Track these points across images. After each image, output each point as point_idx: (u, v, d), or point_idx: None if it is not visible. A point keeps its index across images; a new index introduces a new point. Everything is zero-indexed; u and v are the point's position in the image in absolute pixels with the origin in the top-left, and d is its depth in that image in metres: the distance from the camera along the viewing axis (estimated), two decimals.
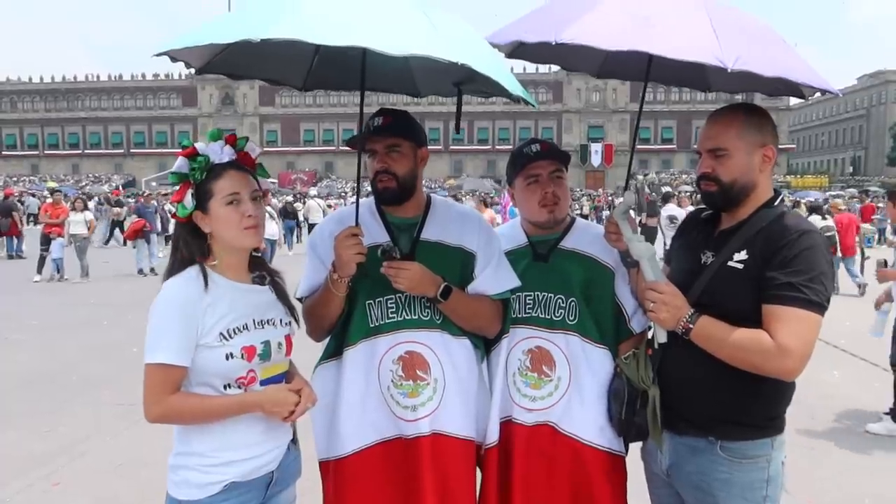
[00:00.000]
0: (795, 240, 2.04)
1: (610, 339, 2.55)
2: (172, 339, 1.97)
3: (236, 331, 2.05)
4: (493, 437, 2.49)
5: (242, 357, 2.06)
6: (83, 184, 71.94)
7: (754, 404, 2.14)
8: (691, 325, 2.09)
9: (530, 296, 2.56)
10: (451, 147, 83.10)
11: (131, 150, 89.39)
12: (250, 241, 2.14)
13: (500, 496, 2.49)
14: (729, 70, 1.83)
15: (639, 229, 2.42)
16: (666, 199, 17.97)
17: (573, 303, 2.53)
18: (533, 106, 2.28)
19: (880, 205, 27.54)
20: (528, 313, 2.56)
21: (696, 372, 2.17)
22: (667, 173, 73.48)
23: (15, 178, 75.55)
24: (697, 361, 2.13)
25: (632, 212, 2.43)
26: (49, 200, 17.41)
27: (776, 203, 2.20)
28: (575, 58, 2.78)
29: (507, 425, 2.52)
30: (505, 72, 2.06)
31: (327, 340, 2.51)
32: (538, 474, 2.48)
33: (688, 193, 25.17)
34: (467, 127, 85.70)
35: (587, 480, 2.48)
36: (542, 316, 2.55)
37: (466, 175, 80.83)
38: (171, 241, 2.17)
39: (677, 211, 13.39)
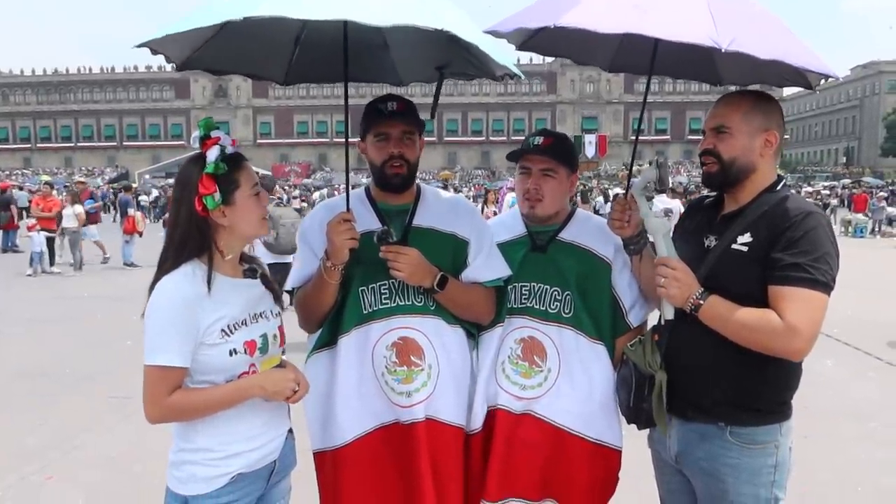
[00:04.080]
0: (800, 221, 2.04)
1: (606, 334, 2.52)
2: (173, 339, 1.93)
3: (236, 326, 2.04)
4: (477, 423, 2.48)
5: (245, 352, 2.04)
6: (76, 177, 71.71)
7: (763, 389, 2.14)
8: (701, 302, 2.09)
9: (526, 286, 2.54)
10: (446, 139, 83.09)
11: (124, 143, 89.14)
12: (264, 230, 2.14)
13: (478, 481, 2.48)
14: (723, 51, 1.84)
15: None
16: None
17: (569, 296, 2.51)
18: (520, 77, 2.27)
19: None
20: (524, 304, 2.53)
21: (704, 356, 2.17)
22: None
23: (7, 172, 75.20)
24: (705, 345, 2.14)
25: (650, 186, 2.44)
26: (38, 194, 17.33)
27: (779, 188, 2.20)
28: (585, 50, 2.76)
29: (491, 411, 2.50)
30: (489, 43, 2.04)
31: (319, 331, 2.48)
32: (517, 460, 2.46)
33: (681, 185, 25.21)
34: (461, 118, 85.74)
35: (564, 467, 2.47)
36: (538, 307, 2.52)
37: (460, 167, 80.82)
38: (173, 236, 2.06)
39: (673, 203, 13.21)
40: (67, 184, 48.19)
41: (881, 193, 34.02)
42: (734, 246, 2.14)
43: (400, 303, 2.40)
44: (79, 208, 16.26)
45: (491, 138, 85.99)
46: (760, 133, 2.18)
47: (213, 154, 1.98)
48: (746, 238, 2.12)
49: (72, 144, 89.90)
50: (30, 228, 15.42)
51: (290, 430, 2.27)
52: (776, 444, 2.16)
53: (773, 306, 2.02)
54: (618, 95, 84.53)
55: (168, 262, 2.02)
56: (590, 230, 2.59)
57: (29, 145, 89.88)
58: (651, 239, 2.36)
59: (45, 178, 21.22)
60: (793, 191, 2.24)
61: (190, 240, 2.02)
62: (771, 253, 2.05)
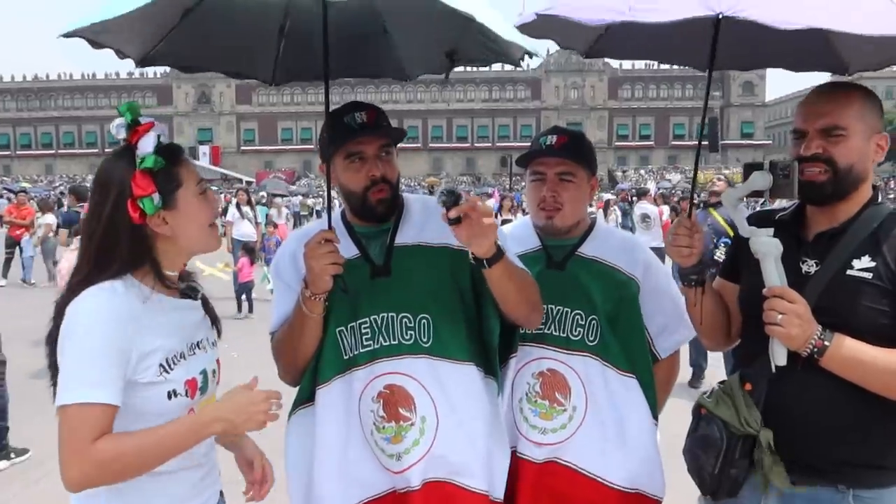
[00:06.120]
0: None
1: (642, 366, 2.19)
2: (101, 368, 1.49)
3: (175, 360, 1.63)
4: (501, 489, 2.03)
5: (186, 394, 1.64)
6: (56, 184, 70.91)
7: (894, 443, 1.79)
8: (826, 343, 1.71)
9: (542, 309, 2.16)
10: (431, 145, 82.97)
11: (106, 150, 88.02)
12: (216, 243, 1.75)
13: None
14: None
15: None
16: (640, 194, 17.55)
17: (594, 321, 2.17)
18: (535, 55, 1.92)
19: None
20: (540, 329, 2.16)
21: (827, 409, 1.79)
22: (645, 170, 73.78)
23: None
24: (822, 392, 1.78)
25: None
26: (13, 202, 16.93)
27: (879, 199, 1.89)
28: (571, 32, 2.42)
29: (513, 462, 2.11)
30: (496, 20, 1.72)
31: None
32: None
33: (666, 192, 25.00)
34: (446, 124, 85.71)
35: None
36: (557, 334, 2.18)
37: (445, 173, 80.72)
38: (89, 251, 1.63)
39: (650, 209, 12.34)
40: (48, 191, 47.57)
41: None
42: (851, 272, 1.79)
43: (384, 343, 1.98)
44: (50, 217, 15.86)
45: (476, 144, 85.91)
46: (873, 135, 1.85)
47: (147, 144, 1.57)
48: (866, 262, 1.78)
49: (53, 151, 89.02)
50: (12, 236, 15.07)
51: (221, 493, 1.88)
52: None
53: None
54: (602, 101, 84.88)
55: (83, 281, 1.59)
56: (615, 245, 2.28)
57: (9, 153, 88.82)
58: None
59: (25, 185, 20.73)
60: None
61: (117, 256, 1.59)
62: None
